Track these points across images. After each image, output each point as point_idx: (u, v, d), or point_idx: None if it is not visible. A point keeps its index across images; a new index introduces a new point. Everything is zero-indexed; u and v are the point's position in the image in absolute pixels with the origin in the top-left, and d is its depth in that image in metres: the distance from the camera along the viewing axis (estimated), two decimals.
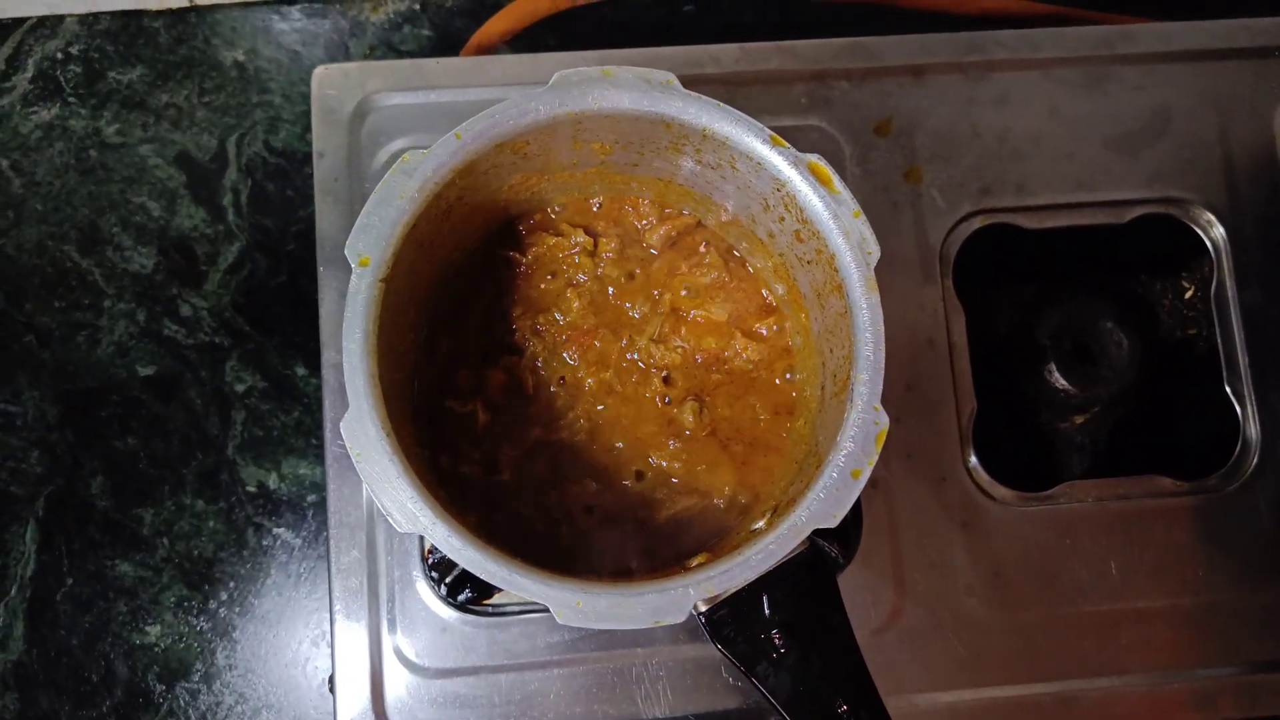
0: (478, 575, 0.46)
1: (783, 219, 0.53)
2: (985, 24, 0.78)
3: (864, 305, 0.49)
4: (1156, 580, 0.65)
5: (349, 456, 0.47)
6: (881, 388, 0.48)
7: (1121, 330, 0.69)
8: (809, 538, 0.47)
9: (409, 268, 0.51)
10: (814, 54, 0.68)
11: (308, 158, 0.79)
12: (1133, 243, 0.70)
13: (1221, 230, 0.68)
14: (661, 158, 0.55)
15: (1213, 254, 0.69)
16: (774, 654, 0.47)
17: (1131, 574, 0.65)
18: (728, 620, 0.47)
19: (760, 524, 0.52)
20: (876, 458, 0.48)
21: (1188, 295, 0.74)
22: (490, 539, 0.54)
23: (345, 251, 0.47)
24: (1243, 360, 0.67)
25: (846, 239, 0.49)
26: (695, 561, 0.51)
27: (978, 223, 0.68)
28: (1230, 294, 0.68)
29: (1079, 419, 0.73)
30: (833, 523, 0.47)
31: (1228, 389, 0.67)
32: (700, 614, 0.47)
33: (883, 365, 0.48)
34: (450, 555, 0.46)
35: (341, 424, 0.46)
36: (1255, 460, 0.66)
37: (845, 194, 0.50)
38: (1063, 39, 0.69)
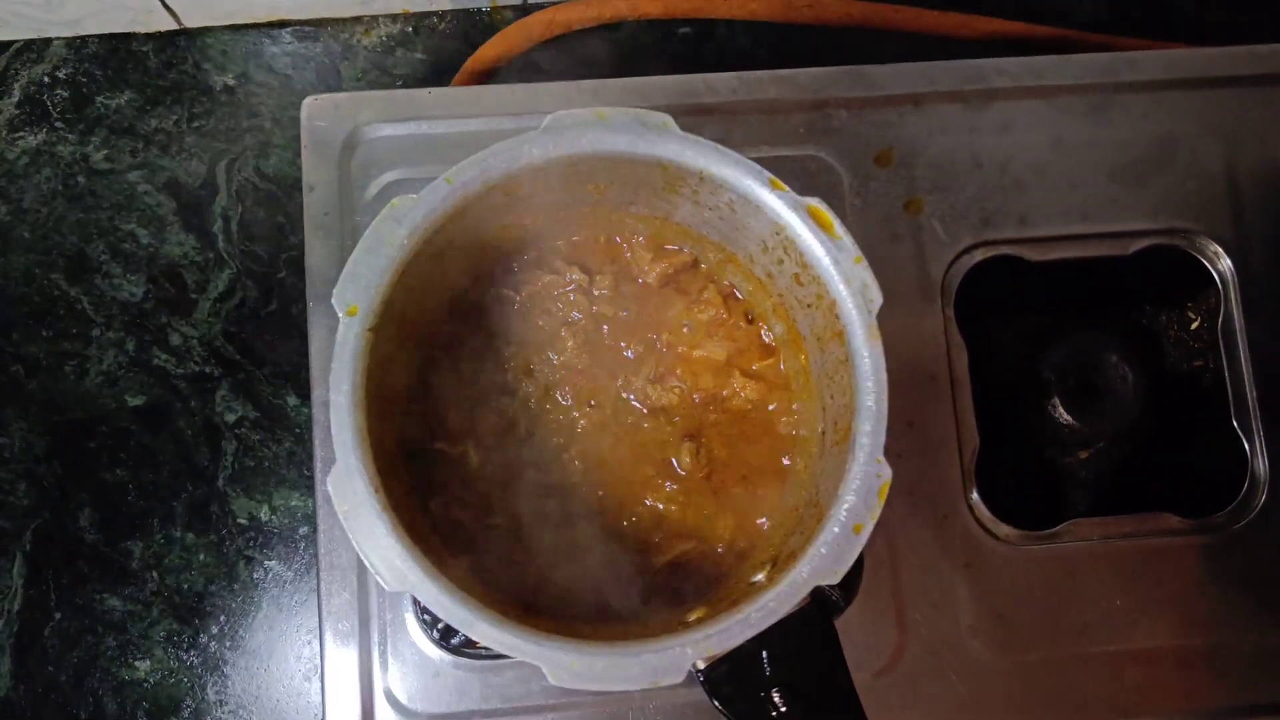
0: (468, 635, 0.45)
1: (781, 261, 0.52)
2: (988, 48, 0.76)
3: (866, 354, 0.48)
4: (1163, 620, 0.63)
5: None
6: (884, 439, 0.47)
7: (1126, 364, 0.68)
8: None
9: (399, 313, 0.49)
10: (813, 83, 0.67)
11: (299, 184, 0.77)
12: (1138, 274, 0.68)
13: (1228, 261, 0.67)
14: (658, 197, 0.54)
15: (1219, 286, 0.68)
16: (774, 713, 0.46)
17: (1138, 614, 0.63)
18: (726, 679, 0.46)
19: (760, 577, 0.50)
20: (879, 511, 0.47)
21: (1194, 328, 0.73)
22: (483, 584, 0.53)
23: (333, 301, 0.46)
24: (1250, 394, 0.66)
25: (848, 285, 0.48)
26: (693, 616, 0.50)
27: (979, 255, 0.66)
28: (1238, 326, 0.67)
29: (1083, 454, 0.72)
30: (835, 579, 0.46)
31: (1235, 424, 0.66)
32: (699, 672, 0.46)
33: (885, 416, 0.47)
34: (440, 614, 0.45)
35: (329, 480, 0.45)
36: (1264, 498, 0.65)
37: (846, 239, 0.48)
38: (1066, 66, 0.68)
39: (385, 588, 0.44)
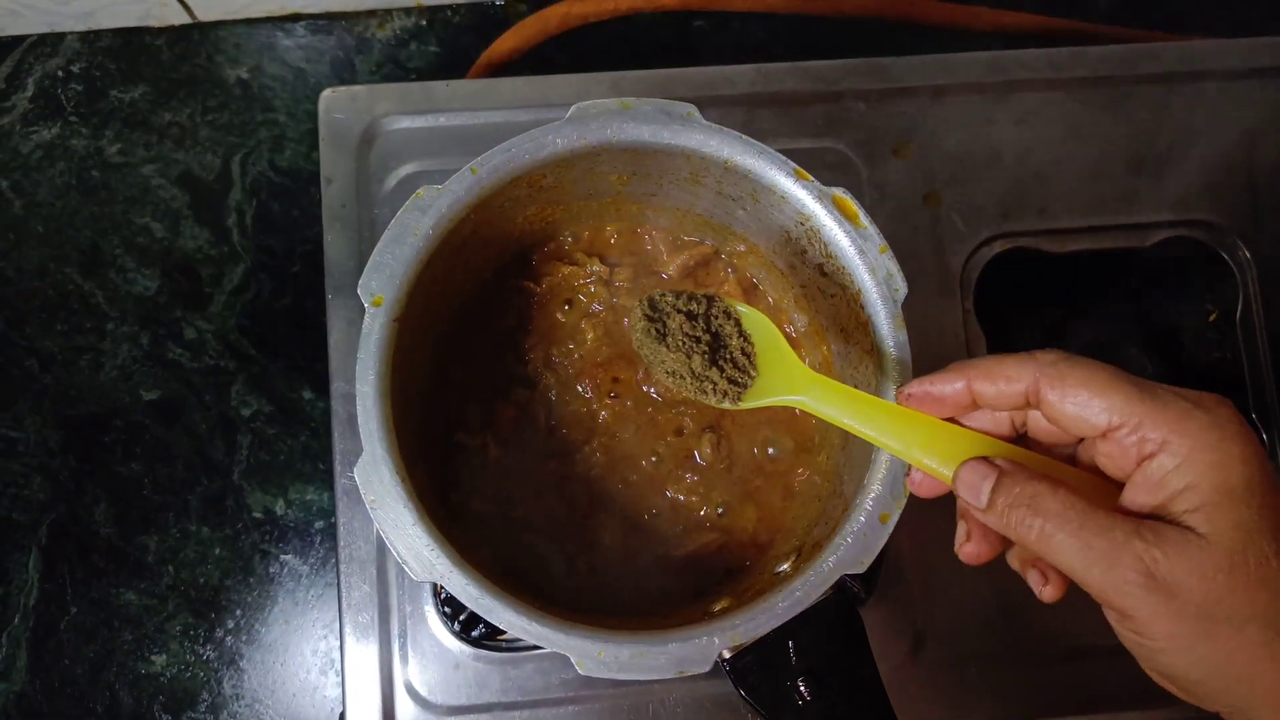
0: (496, 624, 0.44)
1: (805, 252, 0.51)
2: (1004, 40, 0.76)
3: (891, 344, 0.47)
4: None
5: (357, 490, 0.45)
6: None
7: (1145, 356, 0.68)
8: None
9: (423, 304, 0.49)
10: (831, 74, 0.67)
11: (313, 177, 0.78)
12: (1156, 266, 0.68)
13: (1247, 253, 0.67)
14: (681, 188, 0.53)
15: (1238, 277, 0.67)
16: (800, 702, 0.46)
17: None
18: (752, 668, 0.46)
19: (785, 567, 0.50)
20: (906, 500, 0.47)
21: (1212, 319, 0.72)
22: (505, 576, 0.53)
23: (359, 291, 0.46)
24: (1270, 386, 0.66)
25: (873, 275, 0.48)
26: (718, 606, 0.50)
27: (999, 247, 0.66)
28: (1256, 318, 0.67)
29: None
30: (861, 569, 0.46)
31: (1254, 415, 0.66)
32: (725, 661, 0.46)
33: None
34: (468, 604, 0.44)
35: (355, 470, 0.45)
36: None
37: (871, 229, 0.48)
38: (1085, 58, 0.68)
39: (413, 577, 0.44)
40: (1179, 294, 0.73)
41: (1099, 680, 0.63)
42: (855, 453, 0.50)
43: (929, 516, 0.63)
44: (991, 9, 0.76)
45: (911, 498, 0.62)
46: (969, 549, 0.43)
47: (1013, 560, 0.43)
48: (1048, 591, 0.41)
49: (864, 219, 0.48)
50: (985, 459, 0.40)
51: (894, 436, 0.43)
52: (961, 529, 0.43)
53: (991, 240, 0.66)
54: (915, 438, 0.42)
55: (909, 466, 0.45)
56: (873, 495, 0.47)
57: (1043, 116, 0.68)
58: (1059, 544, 0.36)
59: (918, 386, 0.42)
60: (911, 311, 0.49)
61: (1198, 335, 0.73)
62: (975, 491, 0.40)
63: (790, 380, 0.46)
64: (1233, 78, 0.69)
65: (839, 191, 0.49)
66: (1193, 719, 0.63)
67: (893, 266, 0.48)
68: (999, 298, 0.66)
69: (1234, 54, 0.69)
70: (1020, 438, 0.43)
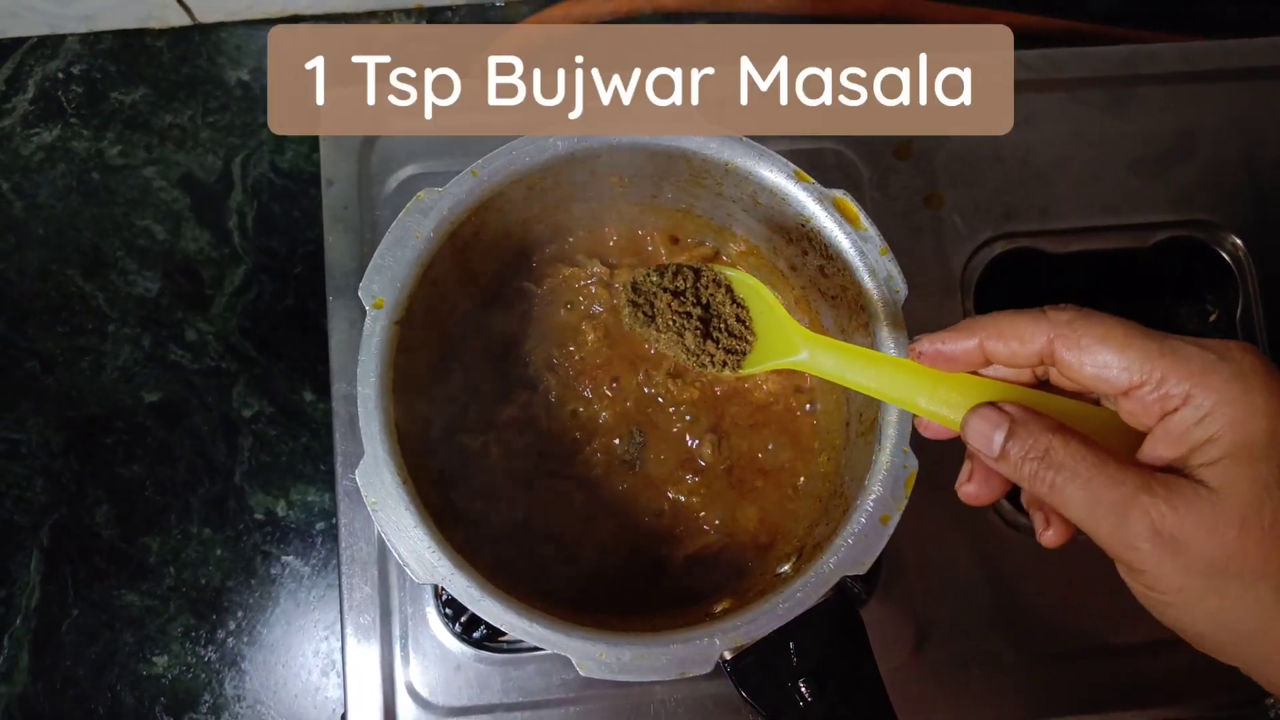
0: (497, 626, 0.45)
1: (806, 253, 0.52)
2: None
3: (891, 345, 0.48)
4: None
5: (359, 491, 0.45)
6: (910, 429, 0.47)
7: None
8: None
9: (424, 306, 0.49)
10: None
11: (314, 179, 0.77)
12: (1157, 266, 0.68)
13: (1247, 253, 0.67)
14: (681, 190, 0.53)
15: (1238, 277, 0.67)
16: (801, 703, 0.46)
17: None
18: (754, 669, 0.46)
19: (785, 568, 0.50)
20: (906, 502, 0.47)
21: (1213, 319, 0.72)
22: (506, 578, 0.53)
23: (359, 293, 0.46)
24: None
25: (873, 277, 0.48)
26: (719, 607, 0.50)
27: (1000, 247, 0.66)
28: (1257, 318, 0.67)
29: None
30: (861, 570, 0.46)
31: None
32: (726, 662, 0.46)
33: None
34: (469, 606, 0.44)
35: (357, 473, 0.45)
36: None
37: (872, 231, 0.48)
38: (1086, 59, 0.68)
39: (415, 580, 0.44)
40: (1180, 294, 0.73)
41: (1101, 680, 0.63)
42: (856, 453, 0.50)
43: (930, 516, 0.63)
44: (994, 10, 0.75)
45: (913, 496, 0.61)
46: (970, 489, 0.42)
47: (1023, 497, 0.42)
48: (1048, 536, 0.40)
49: (864, 221, 0.48)
50: (995, 405, 0.39)
51: (896, 388, 0.42)
52: (965, 469, 0.42)
53: (992, 241, 0.66)
54: (919, 387, 0.42)
55: None
56: (873, 496, 0.47)
57: (1044, 117, 0.68)
58: (1069, 497, 0.36)
59: (928, 344, 0.41)
60: (912, 313, 0.49)
61: (1199, 335, 0.73)
62: (986, 440, 0.39)
63: (788, 341, 0.45)
64: (1233, 78, 0.69)
65: (839, 193, 0.49)
66: (1193, 718, 0.63)
67: (893, 268, 0.48)
68: (1000, 299, 0.66)
69: (1234, 54, 0.69)
70: (1043, 383, 0.41)
